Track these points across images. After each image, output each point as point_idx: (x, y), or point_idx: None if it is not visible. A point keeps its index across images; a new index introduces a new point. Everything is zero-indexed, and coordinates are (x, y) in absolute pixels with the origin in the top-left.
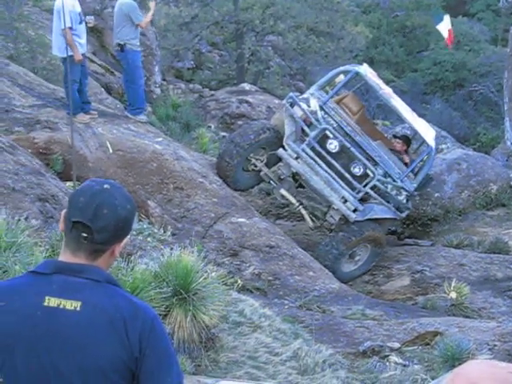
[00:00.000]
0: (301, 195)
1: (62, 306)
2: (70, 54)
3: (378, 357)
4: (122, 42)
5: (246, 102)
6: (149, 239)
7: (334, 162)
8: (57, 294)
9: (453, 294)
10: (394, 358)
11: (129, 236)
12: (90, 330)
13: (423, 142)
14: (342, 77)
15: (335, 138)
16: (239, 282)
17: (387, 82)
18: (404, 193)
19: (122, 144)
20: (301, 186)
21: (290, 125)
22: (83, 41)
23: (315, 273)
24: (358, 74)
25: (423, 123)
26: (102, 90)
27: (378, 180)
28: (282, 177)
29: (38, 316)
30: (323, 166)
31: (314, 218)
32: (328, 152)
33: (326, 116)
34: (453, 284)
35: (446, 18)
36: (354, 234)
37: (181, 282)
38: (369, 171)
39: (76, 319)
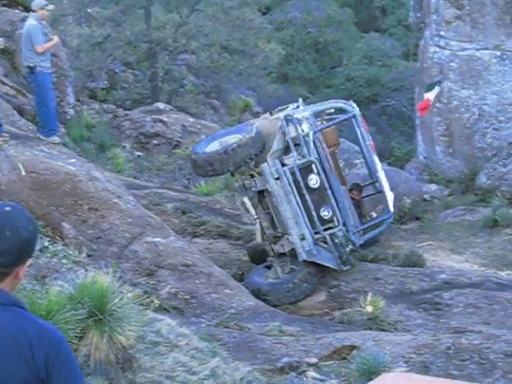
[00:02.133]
0: (258, 210)
1: None
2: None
3: (295, 372)
4: (31, 64)
5: (161, 121)
6: (64, 261)
7: (308, 197)
8: None
9: (369, 308)
10: (311, 373)
11: (32, 258)
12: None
13: (385, 204)
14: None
15: (318, 174)
16: (156, 301)
17: (303, 99)
18: (350, 246)
19: (34, 166)
20: (259, 201)
21: (279, 142)
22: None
23: (232, 290)
24: (354, 116)
25: (387, 184)
26: (14, 112)
27: (341, 230)
28: (250, 187)
29: None
30: (297, 196)
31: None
32: (306, 184)
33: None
34: (368, 298)
35: (436, 89)
36: (301, 270)
37: (96, 304)
38: (335, 218)
39: None
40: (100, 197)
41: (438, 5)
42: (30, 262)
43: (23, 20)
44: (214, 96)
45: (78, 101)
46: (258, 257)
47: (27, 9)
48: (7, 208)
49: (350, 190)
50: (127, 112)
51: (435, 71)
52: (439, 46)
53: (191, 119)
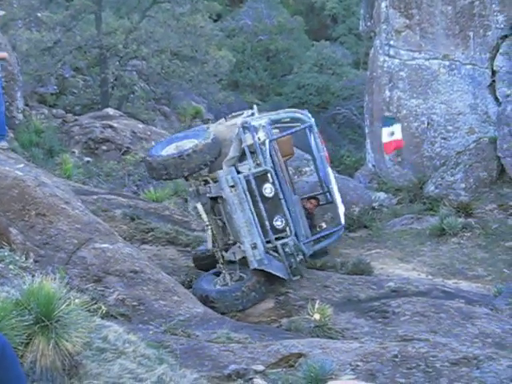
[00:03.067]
0: (210, 217)
1: None
2: None
3: (242, 380)
4: None
5: (111, 126)
6: (10, 267)
7: (262, 207)
8: None
9: (316, 316)
10: (258, 380)
11: None
12: None
13: (337, 216)
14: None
15: (273, 183)
16: (103, 308)
17: (251, 106)
18: (300, 256)
19: None
20: (212, 208)
21: (235, 149)
22: None
23: (180, 297)
24: (311, 126)
25: (339, 197)
26: None
27: (292, 240)
28: (204, 193)
29: None
30: (251, 205)
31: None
32: (260, 193)
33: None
34: (316, 305)
35: (397, 127)
36: (250, 279)
37: (43, 310)
38: (287, 229)
39: None
40: (48, 202)
41: (388, 14)
42: None
43: None
44: (165, 102)
45: (27, 106)
46: (204, 264)
47: None
48: None
49: (309, 199)
50: (77, 117)
51: (385, 80)
52: (389, 55)
53: (141, 125)
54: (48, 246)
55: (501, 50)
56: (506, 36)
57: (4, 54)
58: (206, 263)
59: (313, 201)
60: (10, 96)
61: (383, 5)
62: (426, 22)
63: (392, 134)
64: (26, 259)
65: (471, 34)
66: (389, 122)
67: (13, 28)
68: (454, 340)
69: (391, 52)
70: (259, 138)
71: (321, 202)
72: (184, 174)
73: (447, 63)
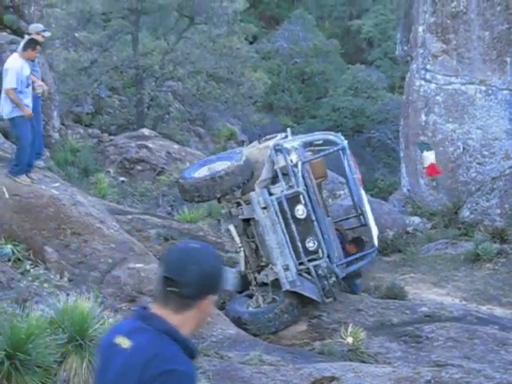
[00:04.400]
0: (242, 239)
1: (120, 344)
2: (17, 114)
3: None
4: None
5: (146, 147)
6: (45, 285)
7: (294, 228)
8: (124, 334)
9: (349, 339)
10: None
11: (215, 295)
12: (125, 367)
13: (370, 238)
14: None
15: (305, 205)
16: None
17: (285, 128)
18: (333, 278)
19: (18, 189)
20: (244, 229)
21: (268, 171)
22: (28, 101)
23: (212, 318)
24: (344, 148)
25: (372, 219)
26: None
27: (325, 262)
28: (236, 215)
29: (106, 348)
30: (283, 226)
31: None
32: (292, 215)
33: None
34: (349, 329)
35: (431, 153)
36: (283, 301)
37: (77, 329)
38: (320, 250)
39: (124, 355)
40: (83, 221)
41: (425, 38)
42: (214, 298)
43: (11, 43)
44: (199, 123)
45: (63, 125)
46: (238, 286)
47: (15, 32)
48: (196, 245)
49: (350, 243)
50: (112, 137)
51: (421, 104)
52: (425, 80)
53: (176, 146)
54: (83, 264)
55: None
56: None
57: (45, 87)
58: (240, 285)
59: (354, 245)
60: (47, 115)
61: (420, 29)
62: (463, 47)
63: (431, 157)
64: (61, 278)
65: (508, 59)
66: (424, 147)
67: (50, 48)
68: (487, 366)
69: (427, 76)
70: (291, 160)
71: (354, 225)
72: (216, 195)
73: (484, 88)
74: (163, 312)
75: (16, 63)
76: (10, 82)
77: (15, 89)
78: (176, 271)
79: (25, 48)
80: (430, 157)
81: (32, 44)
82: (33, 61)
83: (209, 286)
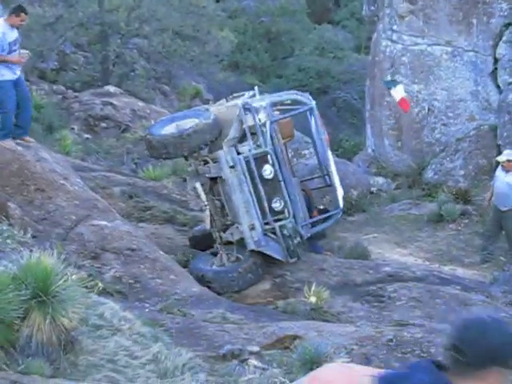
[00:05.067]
0: (209, 197)
1: None
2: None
3: (237, 360)
4: None
5: (111, 104)
6: (8, 241)
7: (261, 188)
8: None
9: (312, 299)
10: (253, 361)
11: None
12: None
13: (335, 199)
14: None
15: (273, 165)
16: (100, 284)
17: (251, 87)
18: (298, 238)
19: None
20: (211, 188)
21: (236, 129)
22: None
23: (176, 276)
24: (312, 109)
25: (338, 180)
26: None
27: (290, 222)
28: (203, 173)
29: None
30: (250, 186)
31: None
32: (260, 175)
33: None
34: (313, 288)
35: (400, 87)
36: (247, 260)
37: (40, 285)
38: (286, 211)
39: None
40: (47, 178)
41: None
42: (503, 371)
43: None
44: (165, 81)
45: (28, 81)
46: (199, 244)
47: None
48: (487, 317)
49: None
50: (77, 94)
51: (387, 65)
52: (391, 40)
53: (141, 103)
54: (46, 221)
55: (504, 38)
56: (509, 24)
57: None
58: (203, 243)
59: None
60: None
61: None
62: (430, 8)
63: (401, 91)
64: (24, 234)
65: (475, 21)
66: (392, 83)
67: (14, 2)
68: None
69: (394, 37)
70: (260, 120)
71: (319, 185)
72: (184, 153)
73: (450, 50)
74: (449, 374)
75: None
76: None
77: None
78: (463, 340)
79: (9, 14)
80: (399, 91)
81: (16, 11)
82: (17, 28)
83: (494, 359)
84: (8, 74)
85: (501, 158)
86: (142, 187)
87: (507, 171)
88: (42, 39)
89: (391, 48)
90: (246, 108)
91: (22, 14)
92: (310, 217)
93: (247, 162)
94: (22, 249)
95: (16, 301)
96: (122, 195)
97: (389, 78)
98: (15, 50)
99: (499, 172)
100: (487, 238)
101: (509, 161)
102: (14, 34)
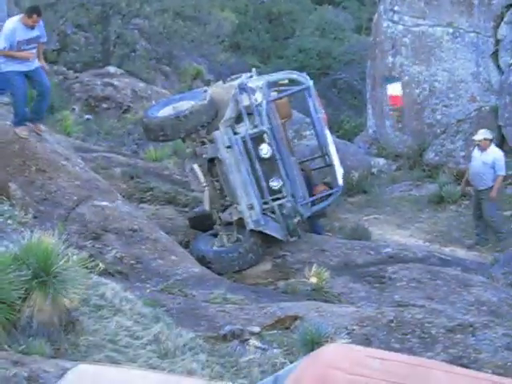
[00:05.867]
0: (207, 178)
1: None
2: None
3: (238, 341)
4: None
5: (111, 84)
6: (9, 221)
7: (259, 167)
8: None
9: (313, 279)
10: (253, 341)
11: None
12: None
13: (334, 178)
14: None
15: (270, 144)
16: (101, 265)
17: (252, 68)
18: (298, 218)
19: None
20: (209, 169)
21: (232, 110)
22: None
23: (177, 257)
24: (309, 88)
25: (337, 159)
26: None
27: (289, 201)
28: (201, 154)
29: None
30: (247, 165)
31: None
32: (257, 154)
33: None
34: (313, 269)
35: (397, 85)
36: (247, 240)
37: (41, 265)
38: (284, 190)
39: None
40: (48, 158)
41: None
42: None
43: None
44: (166, 62)
45: None
46: (199, 225)
47: None
48: None
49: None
50: (77, 74)
51: (388, 46)
52: (393, 21)
53: (142, 84)
54: (47, 201)
55: (505, 19)
56: (510, 5)
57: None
58: (202, 224)
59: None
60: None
61: None
62: None
63: (397, 89)
64: (25, 214)
65: (476, 1)
66: (391, 80)
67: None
68: (449, 307)
69: (395, 18)
70: (256, 99)
71: (319, 165)
72: (181, 135)
73: (451, 30)
74: None
75: (8, 24)
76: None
77: (4, 48)
78: None
79: (24, 13)
80: (396, 88)
81: (29, 11)
82: (32, 28)
83: None
84: (15, 66)
85: (477, 137)
86: (143, 168)
87: (483, 150)
88: (42, 20)
89: (392, 29)
90: (242, 88)
91: (34, 16)
92: (311, 196)
93: (244, 142)
94: (23, 229)
95: (17, 281)
96: (123, 176)
97: (390, 58)
98: (26, 50)
99: (475, 152)
100: (477, 220)
101: (485, 139)
102: (28, 33)
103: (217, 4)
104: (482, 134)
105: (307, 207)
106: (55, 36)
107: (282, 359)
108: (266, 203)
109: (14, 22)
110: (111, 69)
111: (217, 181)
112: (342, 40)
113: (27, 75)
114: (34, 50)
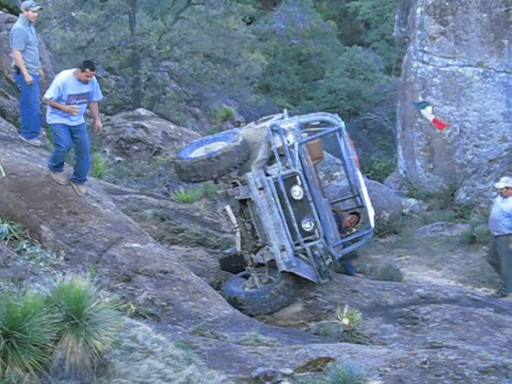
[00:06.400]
0: (239, 219)
1: None
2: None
3: (270, 382)
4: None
5: (142, 127)
6: (41, 264)
7: (290, 209)
8: None
9: (345, 321)
10: (286, 383)
11: None
12: None
13: (366, 220)
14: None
15: (302, 186)
16: (132, 307)
17: (282, 109)
18: (329, 259)
19: (15, 168)
20: (241, 210)
21: (264, 151)
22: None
23: (209, 298)
24: (340, 130)
25: (369, 200)
26: None
27: (321, 243)
28: (233, 195)
29: None
30: (279, 207)
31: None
32: (289, 196)
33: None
34: (345, 310)
35: (428, 108)
36: (279, 282)
37: (73, 307)
38: (316, 231)
39: None
40: (79, 200)
41: (423, 20)
42: None
43: (8, 22)
44: (196, 104)
45: None
46: (230, 266)
47: (11, 11)
48: None
49: (350, 213)
50: (108, 117)
51: (418, 86)
52: (423, 62)
53: (172, 126)
54: (79, 244)
55: None
56: None
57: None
58: (234, 265)
59: (353, 216)
60: (44, 94)
61: (418, 11)
62: (461, 29)
63: (431, 112)
64: (57, 257)
65: (506, 41)
66: (421, 105)
67: (47, 27)
68: (482, 348)
69: (425, 58)
70: (288, 141)
71: (352, 207)
72: (213, 176)
73: (481, 70)
74: None
75: (61, 76)
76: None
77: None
78: None
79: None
80: (429, 112)
81: (83, 65)
82: (86, 83)
83: None
84: (59, 118)
85: (499, 185)
86: (173, 209)
87: (504, 197)
88: (73, 63)
89: (422, 69)
90: (274, 129)
91: (87, 70)
92: (342, 233)
93: (276, 184)
94: (54, 271)
95: (49, 323)
96: (154, 218)
97: (420, 99)
98: (76, 104)
99: (498, 198)
100: (496, 268)
101: (507, 188)
102: (80, 88)
103: (247, 46)
104: (504, 182)
105: (339, 248)
106: None
107: None
108: (297, 245)
109: (67, 75)
110: (142, 111)
111: (248, 222)
112: (371, 81)
113: (70, 130)
114: (82, 106)
